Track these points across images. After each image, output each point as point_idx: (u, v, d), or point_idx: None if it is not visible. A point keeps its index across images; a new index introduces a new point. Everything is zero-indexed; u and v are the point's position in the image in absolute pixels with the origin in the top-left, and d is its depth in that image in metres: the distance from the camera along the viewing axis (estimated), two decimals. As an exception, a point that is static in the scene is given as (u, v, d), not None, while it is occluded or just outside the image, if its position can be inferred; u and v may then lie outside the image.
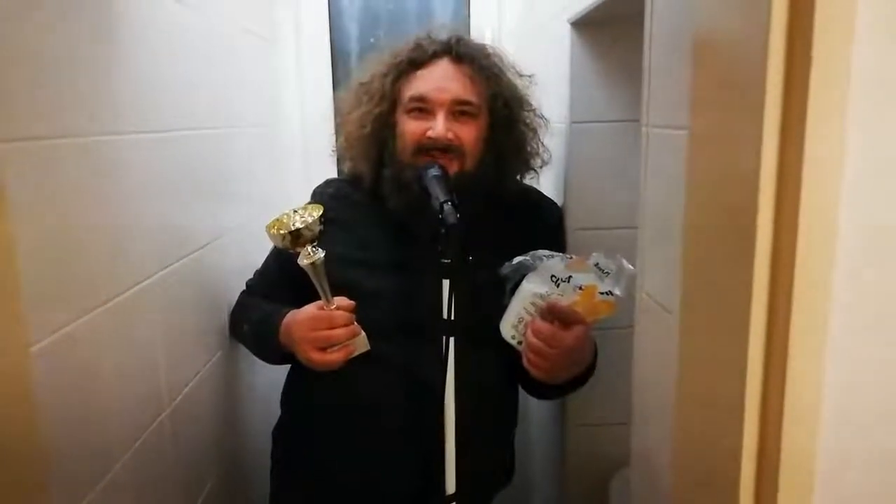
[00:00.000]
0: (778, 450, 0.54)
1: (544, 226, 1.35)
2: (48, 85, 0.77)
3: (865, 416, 0.54)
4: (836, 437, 0.54)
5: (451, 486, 1.09)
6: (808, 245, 0.51)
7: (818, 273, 0.51)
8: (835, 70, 0.49)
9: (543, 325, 1.08)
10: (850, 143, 0.50)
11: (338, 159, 1.58)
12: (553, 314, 1.08)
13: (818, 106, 0.49)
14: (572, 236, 1.40)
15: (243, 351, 1.44)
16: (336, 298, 1.13)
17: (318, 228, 1.10)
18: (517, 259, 1.13)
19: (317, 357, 1.13)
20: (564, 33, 1.37)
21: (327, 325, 1.12)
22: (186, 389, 1.18)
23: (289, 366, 1.35)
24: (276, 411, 1.40)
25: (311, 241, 1.10)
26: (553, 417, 1.63)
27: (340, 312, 1.13)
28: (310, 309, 1.15)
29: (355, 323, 1.14)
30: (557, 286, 1.10)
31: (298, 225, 1.09)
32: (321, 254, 1.09)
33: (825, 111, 0.49)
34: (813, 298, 0.51)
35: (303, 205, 1.21)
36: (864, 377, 0.53)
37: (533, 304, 1.11)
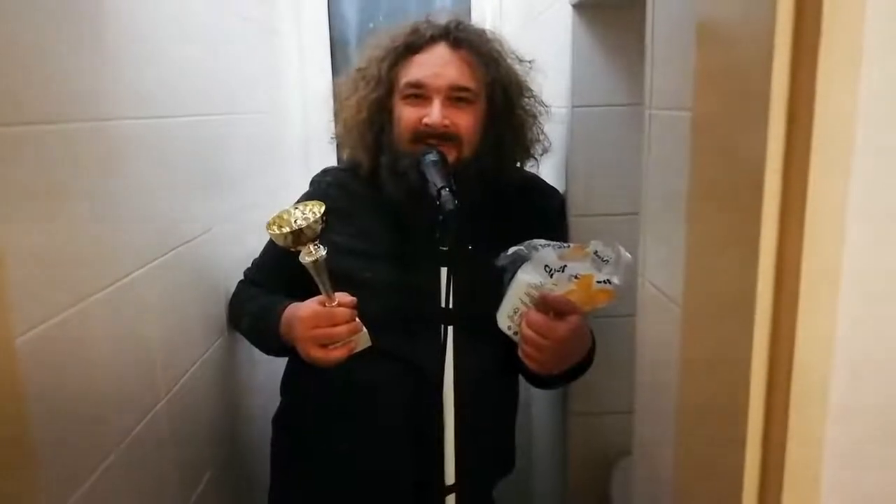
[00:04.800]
0: (783, 440, 0.53)
1: (545, 214, 1.34)
2: (40, 69, 0.76)
3: (875, 402, 0.53)
4: (844, 426, 0.53)
5: (450, 477, 1.08)
6: (816, 231, 0.49)
7: (826, 259, 0.50)
8: (845, 52, 0.47)
9: (537, 316, 1.07)
10: (859, 128, 0.48)
11: (337, 146, 1.56)
12: (546, 305, 1.07)
13: (827, 88, 0.47)
14: (574, 223, 1.38)
15: (242, 339, 1.43)
16: (337, 294, 1.12)
17: (319, 227, 1.07)
18: (513, 249, 1.12)
19: (318, 354, 1.11)
20: (566, 15, 1.35)
21: (329, 323, 1.10)
22: (184, 378, 1.18)
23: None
24: (275, 400, 1.40)
25: (313, 240, 1.08)
26: (554, 406, 1.62)
27: (342, 309, 1.11)
28: (311, 305, 1.13)
29: (357, 319, 1.13)
30: (551, 276, 1.09)
31: (300, 223, 1.07)
32: (323, 251, 1.07)
33: (835, 94, 0.48)
34: (821, 285, 0.50)
35: (303, 201, 1.19)
36: (873, 364, 0.52)
37: (528, 294, 1.10)
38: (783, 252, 0.51)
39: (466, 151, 1.19)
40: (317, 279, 1.09)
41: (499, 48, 1.23)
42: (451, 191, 1.02)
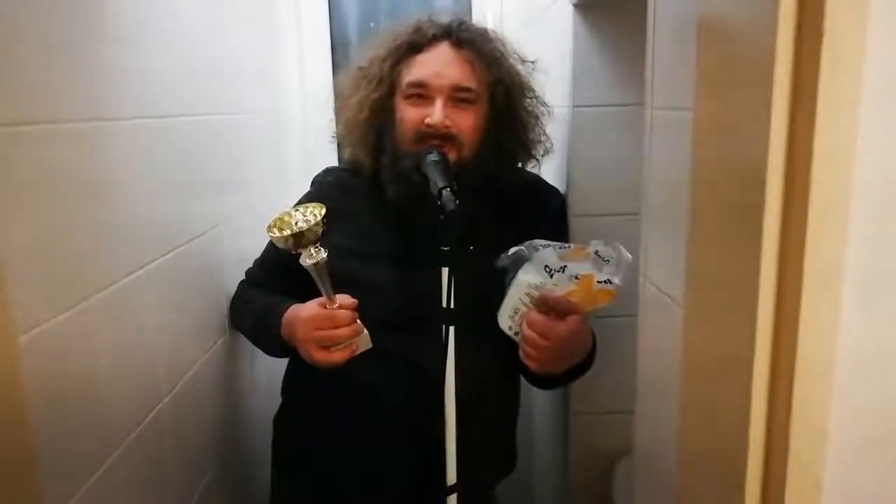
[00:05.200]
0: (786, 440, 0.52)
1: (547, 215, 1.34)
2: (41, 69, 0.75)
3: (878, 405, 0.52)
4: (847, 425, 0.52)
5: (452, 477, 1.08)
6: (819, 230, 0.49)
7: (829, 259, 0.49)
8: (848, 49, 0.47)
9: (537, 317, 1.07)
10: (863, 126, 0.48)
11: (338, 146, 1.56)
12: (546, 305, 1.07)
13: (830, 86, 0.47)
14: (575, 223, 1.38)
15: (243, 339, 1.43)
16: (339, 296, 1.11)
17: (320, 230, 1.07)
18: (513, 249, 1.12)
19: (320, 356, 1.11)
20: (567, 14, 1.35)
21: (330, 325, 1.10)
22: (185, 378, 1.17)
23: (290, 355, 1.34)
24: (276, 400, 1.40)
25: (314, 242, 1.07)
26: (556, 406, 1.62)
27: (343, 311, 1.10)
28: (312, 307, 1.13)
29: (358, 321, 1.12)
30: (551, 276, 1.08)
31: (301, 226, 1.06)
32: (324, 254, 1.07)
33: (838, 92, 0.47)
34: (823, 285, 0.50)
35: (305, 201, 1.18)
36: (877, 365, 0.52)
37: (528, 294, 1.10)
38: (785, 251, 0.51)
39: (468, 152, 1.18)
40: (318, 281, 1.08)
41: (501, 48, 1.23)
42: (452, 191, 1.02)
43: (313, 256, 1.07)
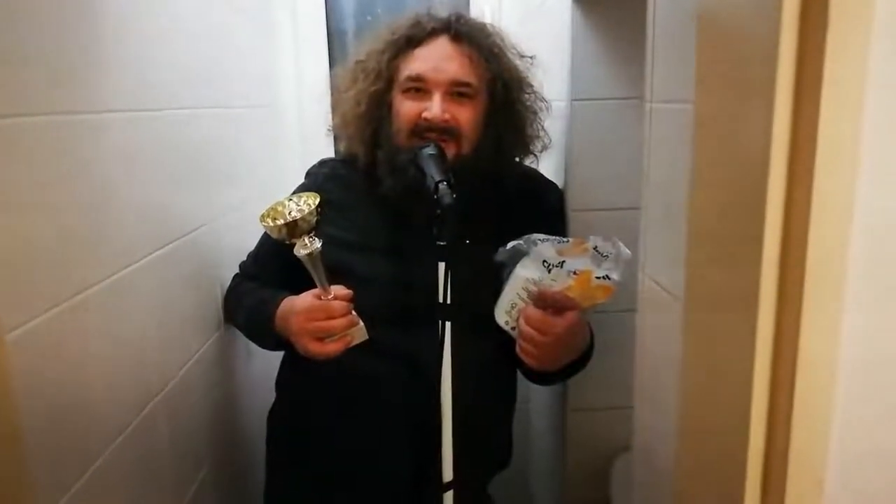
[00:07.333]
0: (787, 437, 0.52)
1: (545, 209, 1.33)
2: (36, 61, 0.74)
3: (881, 404, 0.52)
4: (849, 423, 0.52)
5: (447, 473, 1.07)
6: (821, 226, 0.48)
7: (831, 255, 0.48)
8: (853, 41, 0.46)
9: (535, 312, 1.06)
10: (867, 120, 0.47)
11: (335, 139, 1.55)
12: (543, 301, 1.06)
13: (835, 79, 0.46)
14: (573, 218, 1.37)
15: (238, 335, 1.42)
16: (333, 287, 1.10)
17: (314, 219, 1.06)
18: (511, 244, 1.11)
19: (314, 348, 1.10)
20: (565, 8, 1.34)
21: (325, 316, 1.09)
22: (179, 375, 1.16)
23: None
24: (272, 396, 1.39)
25: (308, 232, 1.06)
26: (553, 401, 1.61)
27: (338, 302, 1.10)
28: (307, 298, 1.12)
29: (353, 313, 1.12)
30: (549, 272, 1.08)
31: (295, 215, 1.05)
32: (318, 244, 1.06)
33: (842, 84, 0.46)
34: (825, 282, 0.49)
35: (298, 192, 1.17)
36: (879, 363, 0.51)
37: (525, 289, 1.09)
38: (787, 246, 0.50)
39: (466, 147, 1.17)
40: (312, 272, 1.07)
41: (500, 43, 1.22)
42: (448, 184, 1.01)
43: (307, 246, 1.05)
